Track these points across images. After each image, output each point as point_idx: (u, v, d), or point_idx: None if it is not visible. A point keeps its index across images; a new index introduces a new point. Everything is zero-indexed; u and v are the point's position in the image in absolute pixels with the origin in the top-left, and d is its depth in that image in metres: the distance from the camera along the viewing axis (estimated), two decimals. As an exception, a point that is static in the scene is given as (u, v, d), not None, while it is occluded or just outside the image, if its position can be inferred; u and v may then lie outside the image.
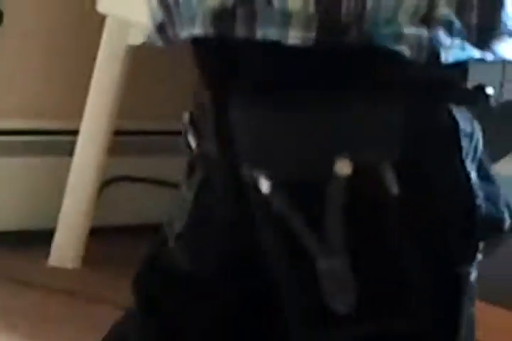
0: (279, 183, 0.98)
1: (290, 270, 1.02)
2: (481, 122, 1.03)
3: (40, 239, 2.90)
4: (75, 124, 2.98)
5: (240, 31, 0.98)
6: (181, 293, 1.15)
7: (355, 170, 0.95)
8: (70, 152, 2.93)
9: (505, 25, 1.02)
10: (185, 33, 1.04)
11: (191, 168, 1.11)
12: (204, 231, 1.11)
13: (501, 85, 2.31)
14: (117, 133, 2.95)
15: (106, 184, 3.00)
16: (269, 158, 1.01)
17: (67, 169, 2.94)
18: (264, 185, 0.98)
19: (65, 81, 2.96)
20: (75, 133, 2.99)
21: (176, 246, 1.12)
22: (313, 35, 0.93)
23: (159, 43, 1.07)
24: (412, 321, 0.98)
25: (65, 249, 2.88)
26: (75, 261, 2.85)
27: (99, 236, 2.87)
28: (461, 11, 0.99)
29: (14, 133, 3.10)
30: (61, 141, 3.11)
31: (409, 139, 0.97)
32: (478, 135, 1.01)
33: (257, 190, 0.99)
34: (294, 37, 0.95)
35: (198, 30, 1.02)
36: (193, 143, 1.09)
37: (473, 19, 1.00)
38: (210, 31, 1.00)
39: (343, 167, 0.96)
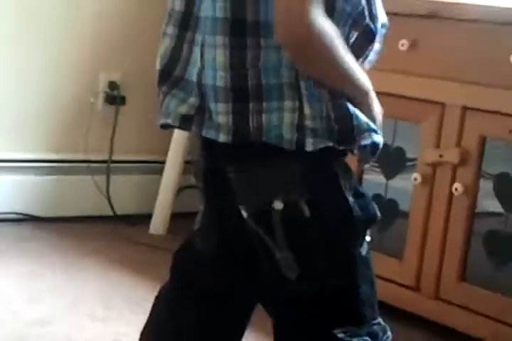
0: (250, 213, 1.41)
1: (264, 257, 1.43)
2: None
3: (145, 218, 3.61)
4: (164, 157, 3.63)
5: (194, 129, 1.43)
6: (196, 260, 1.58)
7: (285, 205, 1.38)
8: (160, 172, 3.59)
9: (359, 126, 1.37)
10: (161, 121, 1.48)
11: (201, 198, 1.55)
12: (207, 231, 1.55)
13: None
14: (187, 162, 3.52)
15: (181, 189, 3.60)
16: (244, 201, 1.43)
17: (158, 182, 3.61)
18: (244, 214, 1.41)
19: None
20: (163, 162, 3.62)
21: (196, 235, 1.58)
22: (230, 138, 1.35)
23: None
24: (321, 282, 1.40)
25: (158, 224, 3.61)
26: (162, 230, 3.59)
27: (177, 218, 3.50)
28: (323, 121, 1.35)
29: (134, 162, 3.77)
30: (158, 166, 3.71)
31: (312, 185, 1.39)
32: (351, 173, 1.44)
33: (241, 216, 1.42)
34: (222, 137, 1.36)
35: (170, 122, 1.46)
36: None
37: (335, 126, 1.36)
38: (176, 125, 1.47)
39: (278, 204, 1.38)
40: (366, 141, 1.38)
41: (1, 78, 3.38)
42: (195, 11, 1.42)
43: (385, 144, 1.52)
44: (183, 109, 1.42)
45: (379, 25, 1.41)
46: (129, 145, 3.63)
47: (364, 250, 1.43)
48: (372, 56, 1.42)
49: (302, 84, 1.34)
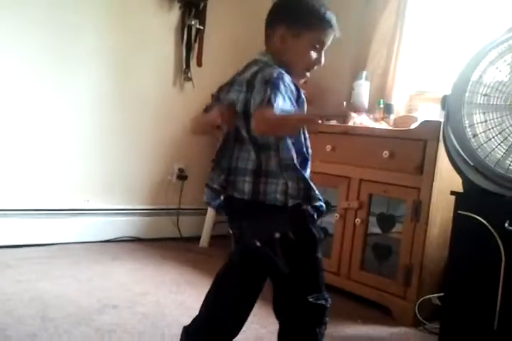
0: (261, 242, 1.33)
1: (269, 262, 1.34)
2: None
3: (197, 238, 3.43)
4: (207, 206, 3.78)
5: (227, 191, 1.34)
6: (232, 263, 1.47)
7: (280, 235, 1.31)
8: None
9: (313, 195, 1.31)
10: (211, 185, 1.37)
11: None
12: (235, 246, 1.45)
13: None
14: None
15: (216, 223, 3.43)
16: (257, 236, 1.34)
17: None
18: (258, 243, 1.34)
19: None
20: (206, 209, 3.43)
21: (233, 246, 1.46)
22: (249, 196, 1.28)
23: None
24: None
25: (203, 241, 3.43)
26: (206, 243, 3.43)
27: (214, 238, 3.40)
28: (296, 190, 1.28)
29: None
30: (204, 211, 3.48)
31: (294, 223, 1.32)
32: (313, 215, 1.33)
33: (255, 243, 1.34)
34: (244, 196, 1.29)
35: (216, 186, 1.36)
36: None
37: (301, 193, 1.29)
38: (218, 189, 1.35)
39: (277, 235, 1.31)
40: (316, 204, 1.37)
41: (113, 163, 3.32)
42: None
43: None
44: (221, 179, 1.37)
45: (309, 157, 1.40)
46: (189, 200, 3.55)
47: (319, 254, 1.41)
48: (308, 171, 1.39)
49: (284, 173, 1.32)
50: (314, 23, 1.35)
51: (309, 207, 1.34)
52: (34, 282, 2.36)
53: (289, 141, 1.30)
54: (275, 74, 1.26)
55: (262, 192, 1.31)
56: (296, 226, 1.34)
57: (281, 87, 1.24)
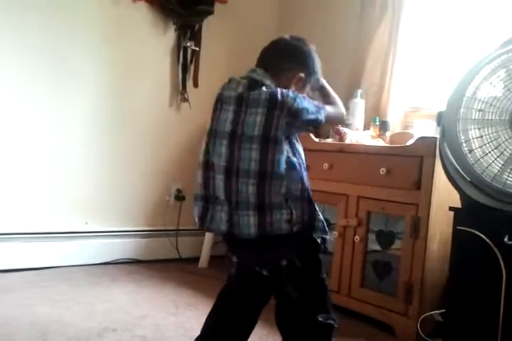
0: (267, 270, 1.37)
1: (278, 288, 1.40)
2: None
3: (196, 259, 3.41)
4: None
5: (205, 224, 1.40)
6: (232, 280, 1.52)
7: (288, 262, 1.35)
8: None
9: (318, 225, 1.35)
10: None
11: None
12: (236, 273, 1.49)
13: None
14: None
15: (214, 243, 3.34)
16: (262, 264, 1.38)
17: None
18: (264, 272, 1.39)
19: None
20: None
21: (234, 271, 1.51)
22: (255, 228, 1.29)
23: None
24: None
25: (202, 261, 3.39)
26: (205, 264, 3.38)
27: (213, 258, 3.38)
28: (301, 218, 1.32)
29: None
30: (203, 232, 2.99)
31: (299, 250, 1.36)
32: (317, 241, 1.38)
33: (262, 272, 1.39)
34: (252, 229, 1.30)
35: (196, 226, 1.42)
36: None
37: (306, 221, 1.33)
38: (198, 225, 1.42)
39: (284, 262, 1.35)
40: (320, 235, 1.43)
41: (110, 185, 3.31)
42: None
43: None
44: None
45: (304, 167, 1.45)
46: (187, 221, 3.47)
47: (324, 274, 1.47)
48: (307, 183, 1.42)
49: (290, 202, 1.34)
50: (317, 79, 1.53)
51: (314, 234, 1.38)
52: (34, 306, 2.36)
53: (298, 170, 1.35)
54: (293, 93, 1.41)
55: (267, 223, 1.33)
56: (301, 253, 1.38)
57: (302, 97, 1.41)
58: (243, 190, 1.31)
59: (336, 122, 1.50)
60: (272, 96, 1.32)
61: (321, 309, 1.39)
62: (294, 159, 1.34)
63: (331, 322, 1.39)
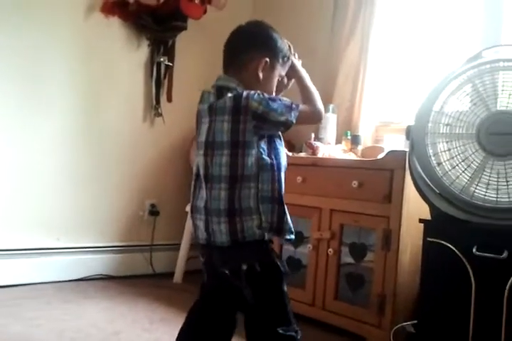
0: (230, 271, 1.37)
1: (237, 291, 1.38)
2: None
3: (171, 274, 3.36)
4: (180, 241, 3.37)
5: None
6: (204, 288, 1.51)
7: (248, 267, 1.34)
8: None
9: (285, 228, 1.36)
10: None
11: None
12: (208, 278, 1.48)
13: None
14: (191, 244, 3.33)
15: (189, 258, 3.31)
16: (227, 267, 1.37)
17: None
18: (227, 272, 1.37)
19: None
20: (179, 244, 3.42)
21: (204, 280, 1.49)
22: (228, 236, 1.30)
23: None
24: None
25: (177, 277, 3.34)
26: (180, 279, 3.33)
27: (188, 273, 3.32)
28: (270, 224, 1.33)
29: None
30: (177, 247, 3.42)
31: (261, 256, 1.36)
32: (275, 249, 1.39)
33: (225, 273, 1.38)
34: (224, 236, 1.32)
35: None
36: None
37: (275, 227, 1.34)
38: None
39: (244, 266, 1.35)
40: (288, 237, 1.42)
41: (83, 200, 3.29)
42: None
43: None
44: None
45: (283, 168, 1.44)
46: (161, 236, 3.54)
47: (285, 288, 1.44)
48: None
49: (260, 207, 1.35)
50: (284, 57, 1.45)
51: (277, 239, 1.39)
52: (6, 326, 2.32)
53: (270, 171, 1.34)
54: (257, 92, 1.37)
55: (239, 231, 1.34)
56: (262, 259, 1.38)
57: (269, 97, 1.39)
58: (216, 196, 1.33)
59: (310, 121, 1.42)
60: (236, 102, 1.33)
61: (282, 321, 1.38)
62: (268, 160, 1.34)
63: (293, 334, 1.37)
